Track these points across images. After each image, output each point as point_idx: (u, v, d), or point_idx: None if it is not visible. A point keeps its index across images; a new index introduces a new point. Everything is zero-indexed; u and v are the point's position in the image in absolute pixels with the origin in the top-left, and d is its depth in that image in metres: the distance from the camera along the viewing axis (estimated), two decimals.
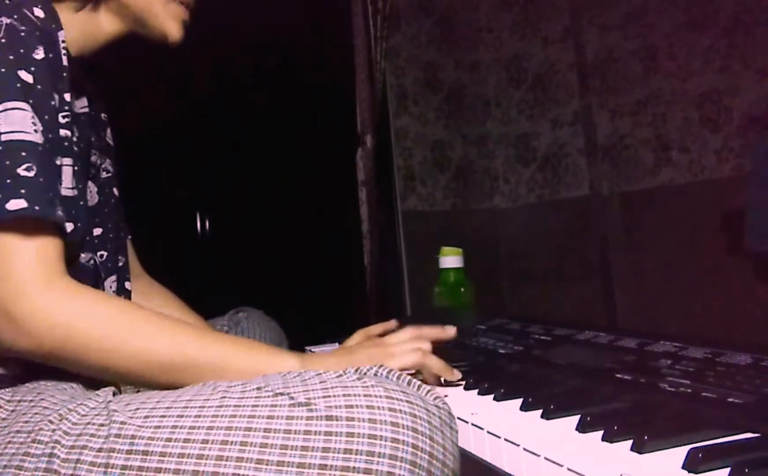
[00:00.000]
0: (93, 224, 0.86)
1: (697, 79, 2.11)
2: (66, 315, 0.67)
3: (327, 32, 2.44)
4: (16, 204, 0.65)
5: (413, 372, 0.77)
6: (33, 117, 0.69)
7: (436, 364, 0.78)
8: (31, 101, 0.69)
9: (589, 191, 2.43)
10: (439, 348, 0.87)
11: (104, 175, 0.93)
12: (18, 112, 0.68)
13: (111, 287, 0.89)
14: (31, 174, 0.67)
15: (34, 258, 0.67)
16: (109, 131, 0.98)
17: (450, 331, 0.86)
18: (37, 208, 0.66)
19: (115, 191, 0.96)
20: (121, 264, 0.93)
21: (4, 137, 0.66)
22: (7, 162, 0.66)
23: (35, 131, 0.68)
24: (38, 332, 0.66)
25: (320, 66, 2.46)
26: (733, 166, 2.03)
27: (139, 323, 0.70)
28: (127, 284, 0.93)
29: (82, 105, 0.85)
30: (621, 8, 2.32)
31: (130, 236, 1.05)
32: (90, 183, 0.88)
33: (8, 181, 0.65)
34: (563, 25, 2.49)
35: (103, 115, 0.95)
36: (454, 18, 2.71)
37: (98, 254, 0.87)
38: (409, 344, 0.79)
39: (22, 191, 0.66)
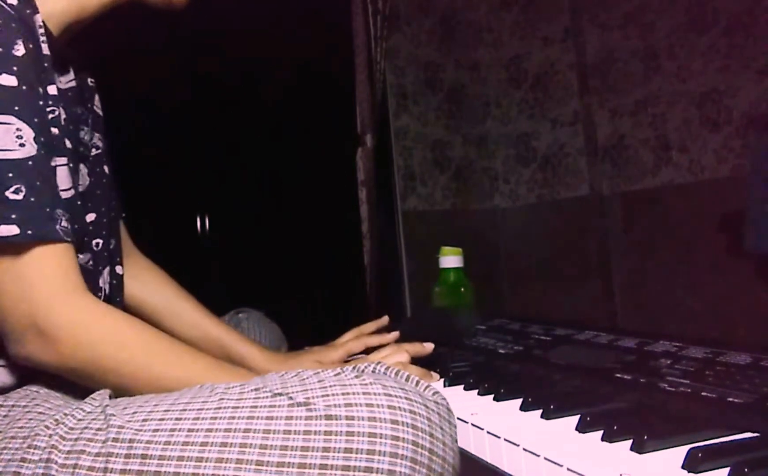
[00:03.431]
0: (88, 208, 0.83)
1: (697, 79, 2.11)
2: (91, 336, 0.68)
3: (327, 32, 2.44)
4: (7, 230, 0.64)
5: None
6: (18, 129, 0.65)
7: (415, 372, 0.83)
8: (16, 108, 0.65)
9: (589, 191, 2.43)
10: (439, 349, 0.89)
11: (94, 152, 0.89)
12: (0, 128, 0.65)
13: (104, 275, 0.86)
14: (20, 196, 0.65)
15: (56, 274, 0.67)
16: (97, 98, 0.92)
17: (428, 347, 0.92)
18: (29, 232, 0.65)
19: (105, 168, 0.91)
20: (112, 247, 0.90)
21: None
22: None
23: (21, 144, 0.65)
24: (63, 349, 0.66)
25: (320, 66, 2.46)
26: (733, 166, 2.03)
27: (161, 349, 0.72)
28: (119, 269, 0.91)
29: (68, 80, 0.81)
30: (621, 8, 2.32)
31: (123, 215, 1.02)
32: (81, 165, 0.84)
33: None
34: (563, 25, 2.49)
35: (90, 81, 0.91)
36: (454, 18, 2.71)
37: (93, 243, 0.84)
38: (390, 359, 0.85)
39: (13, 215, 0.64)
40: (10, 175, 0.65)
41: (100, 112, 0.94)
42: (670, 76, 2.18)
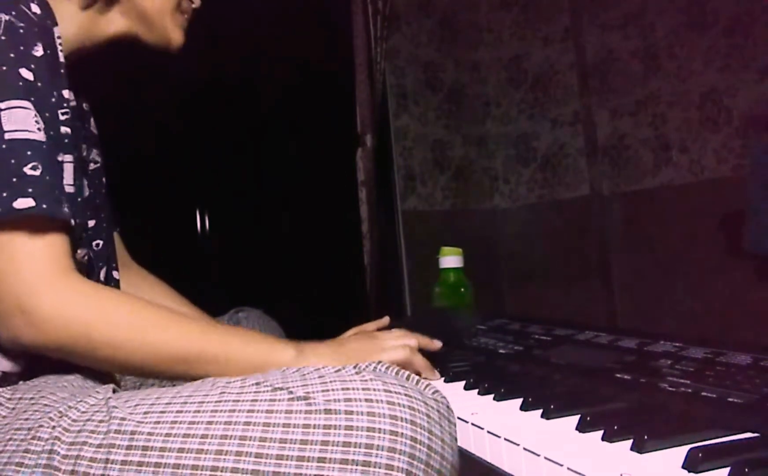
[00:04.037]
0: (87, 216, 0.87)
1: (697, 79, 2.11)
2: (78, 312, 0.68)
3: (327, 32, 2.44)
4: (24, 203, 0.66)
5: None
6: (36, 115, 0.69)
7: (420, 362, 0.84)
8: (33, 99, 0.69)
9: (589, 191, 2.43)
10: (440, 350, 0.89)
11: (92, 166, 0.94)
12: (21, 111, 0.68)
13: (102, 275, 0.89)
14: (37, 172, 0.67)
15: (44, 254, 0.68)
16: (92, 120, 0.98)
17: (437, 344, 0.92)
18: (44, 206, 0.67)
19: (103, 180, 0.96)
20: (109, 251, 0.93)
21: (7, 135, 0.67)
22: (13, 161, 0.66)
23: (38, 129, 0.69)
24: (50, 327, 0.67)
25: (320, 66, 2.46)
26: (733, 166, 2.03)
27: (148, 318, 0.72)
28: (115, 274, 0.94)
29: (70, 98, 0.85)
30: (621, 8, 2.32)
31: (118, 228, 1.05)
32: (83, 177, 0.88)
33: (14, 179, 0.66)
34: (563, 25, 2.49)
35: (85, 105, 0.95)
36: (454, 18, 2.72)
37: (93, 244, 0.88)
38: (399, 341, 0.85)
39: (29, 189, 0.66)
40: (29, 153, 0.68)
41: (95, 132, 0.99)
42: (670, 76, 2.18)
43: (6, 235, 0.67)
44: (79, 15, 0.83)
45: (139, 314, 0.72)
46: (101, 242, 0.89)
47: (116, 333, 0.69)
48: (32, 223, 0.67)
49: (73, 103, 0.85)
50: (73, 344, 0.68)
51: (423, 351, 0.90)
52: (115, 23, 0.86)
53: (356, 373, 0.60)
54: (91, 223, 0.88)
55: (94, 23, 0.85)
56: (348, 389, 0.58)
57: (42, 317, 0.67)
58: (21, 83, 0.69)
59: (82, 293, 0.70)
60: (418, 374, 0.82)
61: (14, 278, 0.67)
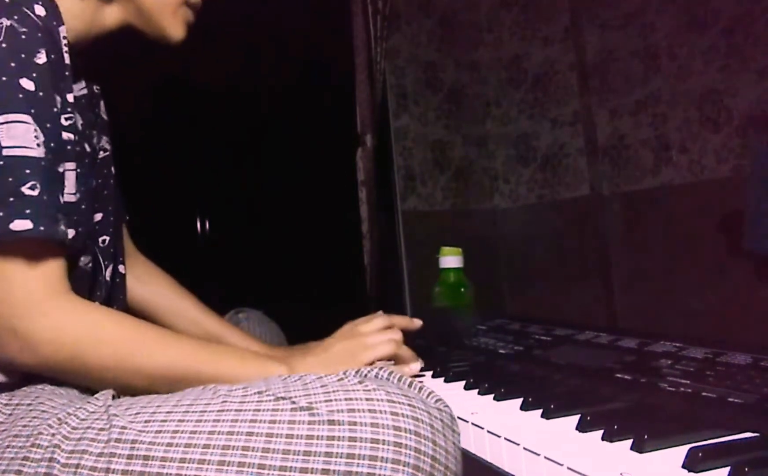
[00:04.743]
0: (94, 209, 0.85)
1: (697, 79, 2.11)
2: (71, 334, 0.68)
3: (327, 32, 2.44)
4: (21, 224, 0.65)
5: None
6: (35, 129, 0.67)
7: (406, 353, 0.84)
8: (33, 111, 0.68)
9: (589, 191, 2.43)
10: (439, 349, 0.89)
11: (102, 154, 0.91)
12: (20, 126, 0.66)
13: (108, 272, 0.88)
14: (35, 192, 0.66)
15: (38, 277, 0.67)
16: (102, 104, 0.96)
17: (416, 323, 0.92)
18: (42, 228, 0.66)
19: (112, 169, 0.94)
20: (116, 245, 0.92)
21: (6, 152, 0.65)
22: (11, 179, 0.65)
23: (38, 144, 0.67)
24: (44, 350, 0.67)
25: (320, 66, 2.47)
26: (733, 166, 2.03)
27: (143, 339, 0.72)
28: (121, 268, 0.93)
29: (80, 88, 0.84)
30: (621, 8, 2.32)
31: (127, 218, 1.04)
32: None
33: (11, 199, 0.65)
34: (563, 25, 2.49)
35: (95, 88, 0.93)
36: (454, 18, 2.71)
37: (100, 240, 0.86)
38: (383, 336, 0.84)
39: (27, 210, 0.65)
40: (28, 171, 0.66)
41: (105, 118, 0.97)
42: (670, 76, 2.18)
43: (1, 257, 0.66)
44: (80, 5, 0.81)
45: (130, 336, 0.71)
46: (107, 238, 0.87)
47: (107, 355, 0.69)
48: (28, 245, 0.67)
49: (82, 91, 0.84)
50: (66, 366, 0.68)
51: (406, 335, 0.89)
52: (114, 14, 0.85)
53: (359, 382, 0.60)
54: (98, 216, 0.86)
55: (94, 14, 0.83)
56: (351, 399, 0.58)
57: (35, 340, 0.66)
58: (21, 95, 0.67)
59: (75, 314, 0.69)
60: (405, 364, 0.83)
61: (7, 301, 0.66)
